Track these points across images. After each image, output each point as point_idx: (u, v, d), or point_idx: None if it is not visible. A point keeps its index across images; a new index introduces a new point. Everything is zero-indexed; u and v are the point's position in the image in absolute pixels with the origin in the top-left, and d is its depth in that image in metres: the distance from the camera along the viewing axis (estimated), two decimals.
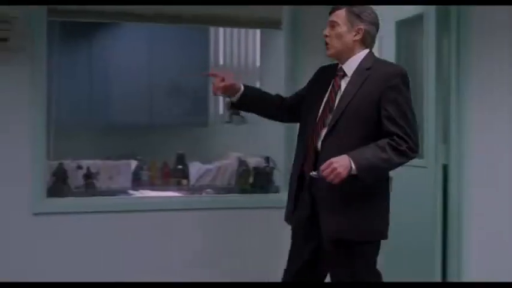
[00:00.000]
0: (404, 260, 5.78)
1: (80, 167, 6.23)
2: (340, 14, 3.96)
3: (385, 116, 3.79)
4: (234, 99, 4.16)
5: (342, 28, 3.95)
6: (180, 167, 6.74)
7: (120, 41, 7.25)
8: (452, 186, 5.42)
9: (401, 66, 3.97)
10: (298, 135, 4.09)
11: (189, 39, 7.26)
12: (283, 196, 5.32)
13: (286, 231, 4.79)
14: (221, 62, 7.66)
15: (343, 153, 3.67)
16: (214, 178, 6.87)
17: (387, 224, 3.99)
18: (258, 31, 7.54)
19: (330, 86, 3.98)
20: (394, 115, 3.78)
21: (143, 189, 6.40)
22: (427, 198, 5.47)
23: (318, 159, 3.82)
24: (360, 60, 3.96)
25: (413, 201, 5.67)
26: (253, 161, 6.47)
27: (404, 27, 6.03)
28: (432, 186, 5.43)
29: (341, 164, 3.62)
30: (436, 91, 5.45)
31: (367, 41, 4.00)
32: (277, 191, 5.72)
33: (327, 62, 4.11)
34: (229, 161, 6.90)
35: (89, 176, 6.20)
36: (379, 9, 6.37)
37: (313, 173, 3.74)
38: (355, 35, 3.95)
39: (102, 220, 4.96)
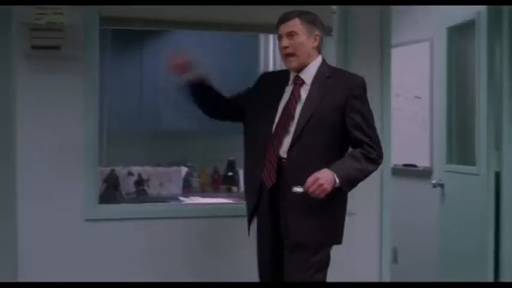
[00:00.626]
0: (457, 265, 5.74)
1: (131, 174, 6.28)
2: (296, 23, 4.01)
3: (352, 125, 3.89)
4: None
5: (302, 37, 4.00)
6: (230, 173, 6.74)
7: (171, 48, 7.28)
8: (504, 193, 5.36)
9: (361, 76, 4.02)
10: (249, 143, 4.15)
11: (239, 46, 7.27)
12: None
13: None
14: (271, 68, 7.65)
15: (311, 161, 3.80)
16: None
17: (343, 230, 4.10)
18: None
19: (289, 94, 4.02)
20: (361, 124, 3.90)
21: (193, 195, 6.41)
22: (480, 206, 5.42)
23: (281, 167, 3.90)
24: (316, 68, 4.04)
25: (466, 208, 5.62)
26: None
27: (455, 33, 5.99)
28: (485, 194, 5.37)
29: (326, 179, 3.70)
30: (488, 97, 5.40)
31: (321, 47, 4.09)
32: None
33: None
34: None
35: (140, 182, 6.25)
36: (432, 15, 6.38)
37: (297, 189, 3.75)
38: (314, 41, 4.02)
39: (153, 226, 4.99)
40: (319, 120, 3.88)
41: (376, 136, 3.97)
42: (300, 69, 4.04)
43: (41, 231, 4.79)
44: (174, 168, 6.71)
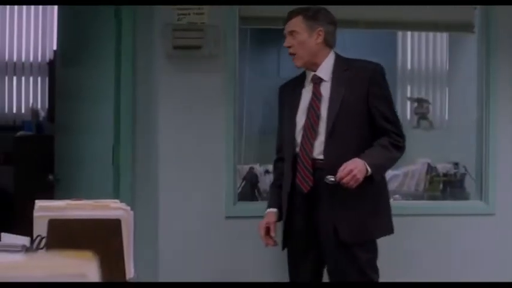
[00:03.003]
0: None
1: (268, 172, 6.32)
2: (296, 22, 3.97)
3: (378, 114, 3.90)
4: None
5: (303, 35, 3.96)
6: None
7: None
8: None
9: (377, 62, 3.98)
10: (284, 152, 4.11)
11: (377, 44, 7.20)
12: (474, 204, 5.22)
13: (476, 239, 4.68)
14: (409, 66, 7.57)
15: (348, 157, 3.77)
16: (401, 184, 6.79)
17: (391, 218, 4.08)
18: (445, 35, 7.41)
19: (310, 95, 3.97)
20: (386, 112, 3.92)
21: None
22: None
23: (317, 168, 3.88)
24: (331, 63, 3.99)
25: None
26: (442, 167, 6.35)
27: None
28: None
29: (359, 170, 3.72)
30: None
31: (329, 41, 4.01)
32: (467, 198, 5.58)
33: None
34: (417, 167, 6.80)
35: None
36: None
37: (330, 179, 3.76)
38: (317, 38, 3.95)
39: None
40: (347, 115, 3.89)
41: (399, 122, 4.00)
42: (313, 67, 4.01)
43: (181, 229, 4.87)
44: None
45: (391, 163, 4.03)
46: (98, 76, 5.15)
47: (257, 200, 5.55)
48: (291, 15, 4.04)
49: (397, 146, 3.92)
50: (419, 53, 7.65)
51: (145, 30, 4.96)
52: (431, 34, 7.49)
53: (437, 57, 7.62)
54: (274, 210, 4.19)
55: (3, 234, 2.63)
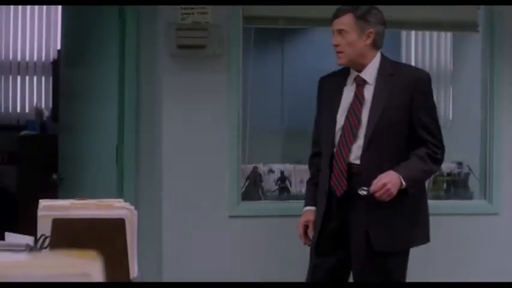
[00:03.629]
0: None
1: (271, 171, 6.31)
2: (347, 20, 3.80)
3: (419, 124, 3.77)
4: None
5: (352, 35, 3.79)
6: None
7: (312, 46, 7.28)
8: None
9: (425, 70, 3.87)
10: (322, 148, 4.00)
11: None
12: (478, 203, 5.22)
13: (480, 239, 4.68)
14: (412, 65, 7.56)
15: (385, 167, 3.68)
16: None
17: (428, 227, 3.96)
18: (449, 34, 7.40)
19: (352, 96, 3.84)
20: (428, 123, 3.79)
21: None
22: None
23: (352, 173, 3.77)
24: (377, 65, 3.84)
25: None
26: (446, 167, 6.34)
27: None
28: None
29: (393, 183, 3.63)
30: None
31: (378, 42, 3.86)
32: (471, 197, 5.57)
33: None
34: None
35: (282, 179, 6.27)
36: None
37: (363, 192, 3.68)
38: (366, 39, 3.79)
39: (295, 224, 4.99)
40: (388, 122, 3.77)
41: (440, 134, 3.87)
42: (357, 67, 3.87)
43: (185, 228, 4.87)
44: None
45: (426, 176, 3.96)
46: (101, 76, 5.16)
47: (260, 200, 5.55)
48: (339, 13, 3.85)
49: (435, 158, 3.80)
50: (423, 52, 7.63)
51: (149, 30, 4.96)
52: (435, 34, 7.48)
53: (441, 56, 7.60)
54: (313, 208, 4.07)
55: (7, 233, 2.63)
